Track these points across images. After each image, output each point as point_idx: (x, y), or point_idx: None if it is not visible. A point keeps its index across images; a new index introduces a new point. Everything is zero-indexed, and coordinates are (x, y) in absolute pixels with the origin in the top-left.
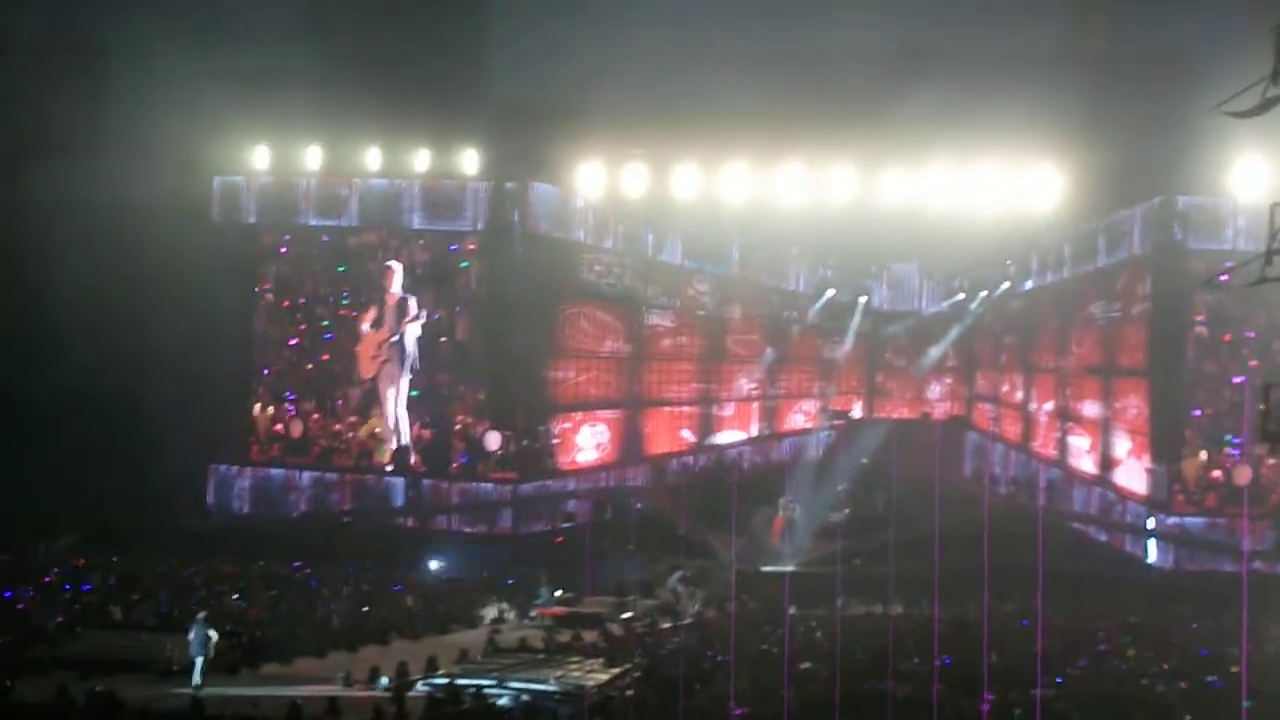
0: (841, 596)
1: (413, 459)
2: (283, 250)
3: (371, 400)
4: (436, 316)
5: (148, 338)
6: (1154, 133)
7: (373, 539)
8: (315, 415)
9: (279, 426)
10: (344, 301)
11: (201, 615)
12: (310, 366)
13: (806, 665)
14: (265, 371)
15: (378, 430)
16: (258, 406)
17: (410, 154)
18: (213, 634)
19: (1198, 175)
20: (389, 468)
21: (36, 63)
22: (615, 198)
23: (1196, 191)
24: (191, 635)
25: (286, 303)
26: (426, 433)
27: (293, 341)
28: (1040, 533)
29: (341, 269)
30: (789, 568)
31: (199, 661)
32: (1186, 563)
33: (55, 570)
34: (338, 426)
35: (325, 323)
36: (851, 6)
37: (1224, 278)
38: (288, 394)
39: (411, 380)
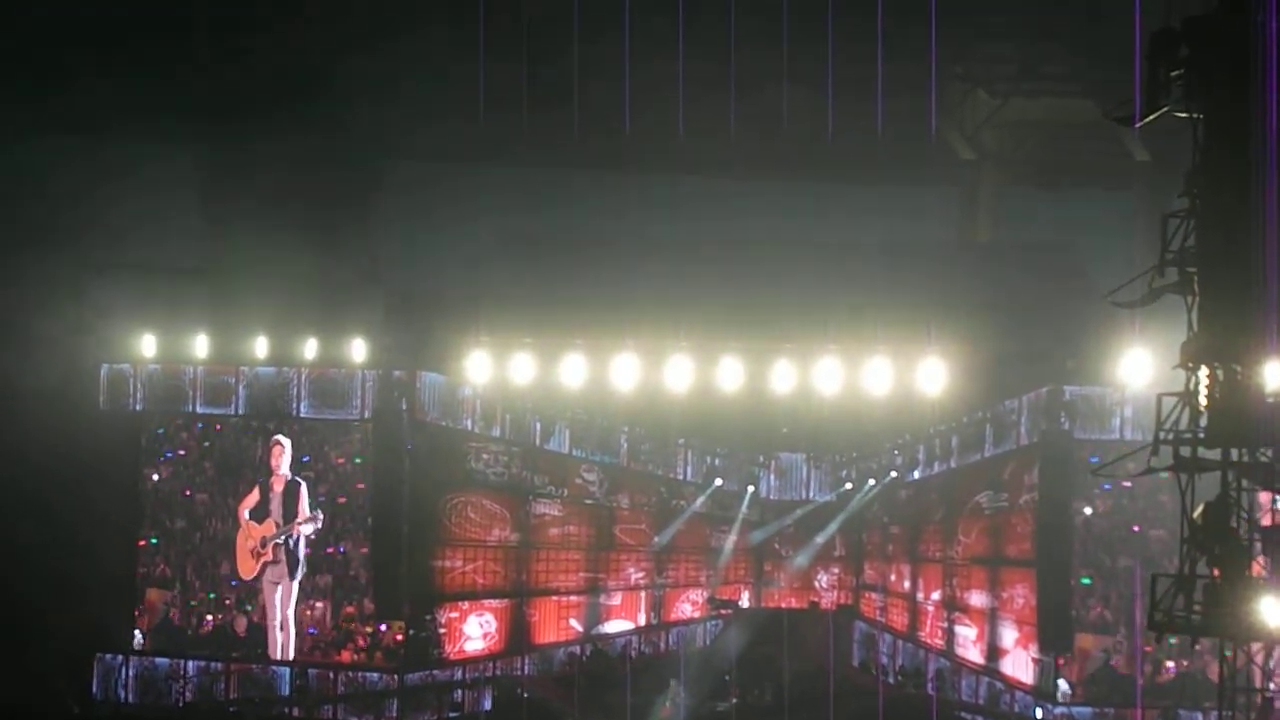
0: None
1: (294, 650)
2: (170, 438)
3: (253, 595)
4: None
5: (32, 527)
6: (1041, 322)
7: None
8: (200, 605)
9: (164, 616)
10: (228, 491)
11: None
12: (194, 556)
13: None
14: (151, 560)
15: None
16: (143, 595)
17: (298, 343)
18: None
19: (1085, 365)
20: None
21: None
22: (503, 386)
23: (1084, 381)
24: None
25: (173, 491)
26: (313, 624)
27: (178, 528)
28: None
29: (229, 453)
30: None
31: None
32: None
33: None
34: (222, 617)
35: (211, 512)
36: (737, 196)
37: (1128, 482)
38: (174, 583)
39: (299, 584)
